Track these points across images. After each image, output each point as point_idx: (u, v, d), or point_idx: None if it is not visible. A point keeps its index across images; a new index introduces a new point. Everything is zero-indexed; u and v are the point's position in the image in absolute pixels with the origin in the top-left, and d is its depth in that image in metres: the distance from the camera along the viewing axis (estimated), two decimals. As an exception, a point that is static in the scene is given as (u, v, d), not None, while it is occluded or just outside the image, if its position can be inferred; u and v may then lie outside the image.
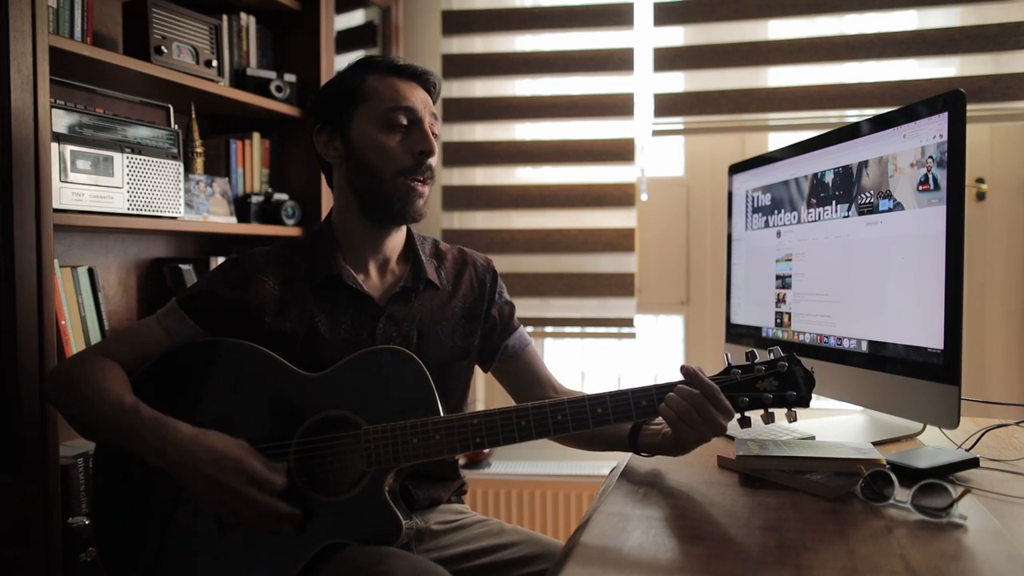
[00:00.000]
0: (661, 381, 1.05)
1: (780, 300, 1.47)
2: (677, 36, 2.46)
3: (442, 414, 1.07)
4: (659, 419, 1.05)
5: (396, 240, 1.26)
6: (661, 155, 2.63)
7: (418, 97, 1.20)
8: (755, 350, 1.04)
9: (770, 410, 1.02)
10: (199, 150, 1.99)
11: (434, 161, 1.21)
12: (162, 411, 1.11)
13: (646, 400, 1.03)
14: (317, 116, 1.23)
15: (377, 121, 1.18)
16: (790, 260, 1.45)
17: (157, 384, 1.15)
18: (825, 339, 1.34)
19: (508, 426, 1.04)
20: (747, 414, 1.02)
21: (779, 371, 1.01)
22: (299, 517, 1.05)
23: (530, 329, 2.63)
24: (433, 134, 1.20)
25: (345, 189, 1.22)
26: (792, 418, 1.02)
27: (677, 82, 2.48)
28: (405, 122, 1.18)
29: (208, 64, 1.88)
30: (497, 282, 1.33)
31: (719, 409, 0.98)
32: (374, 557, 1.01)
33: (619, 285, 2.51)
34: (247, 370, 1.14)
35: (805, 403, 1.01)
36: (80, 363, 1.14)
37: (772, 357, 1.02)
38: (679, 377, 1.03)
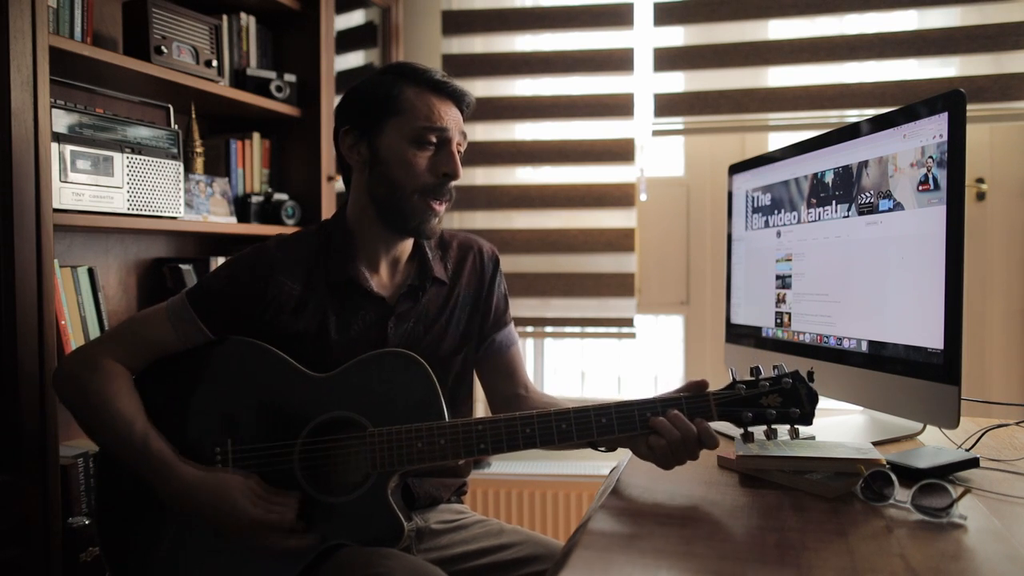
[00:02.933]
0: (663, 388, 1.05)
1: (780, 300, 1.47)
2: (677, 36, 2.46)
3: (447, 418, 1.08)
4: None
5: (408, 242, 1.26)
6: (661, 155, 2.64)
7: (451, 117, 1.19)
8: (759, 366, 1.04)
9: (773, 426, 1.02)
10: (199, 150, 1.99)
11: (456, 182, 1.20)
12: (169, 409, 1.13)
13: (651, 412, 1.02)
14: (346, 117, 1.22)
15: (408, 136, 1.16)
16: (790, 260, 1.45)
17: (164, 381, 1.15)
18: (825, 339, 1.34)
19: (512, 433, 1.04)
20: (750, 429, 1.02)
21: (783, 388, 1.01)
22: (317, 546, 1.06)
23: (530, 329, 2.63)
24: (459, 152, 1.20)
25: (363, 193, 1.21)
26: (794, 435, 1.02)
27: (677, 82, 2.48)
28: (435, 141, 1.17)
29: (208, 64, 1.88)
30: (498, 272, 1.34)
31: (707, 446, 0.99)
32: (373, 558, 1.01)
33: (619, 285, 2.51)
34: (254, 369, 1.14)
35: (808, 421, 1.01)
36: (90, 368, 1.13)
37: (776, 374, 1.02)
38: (681, 386, 1.04)
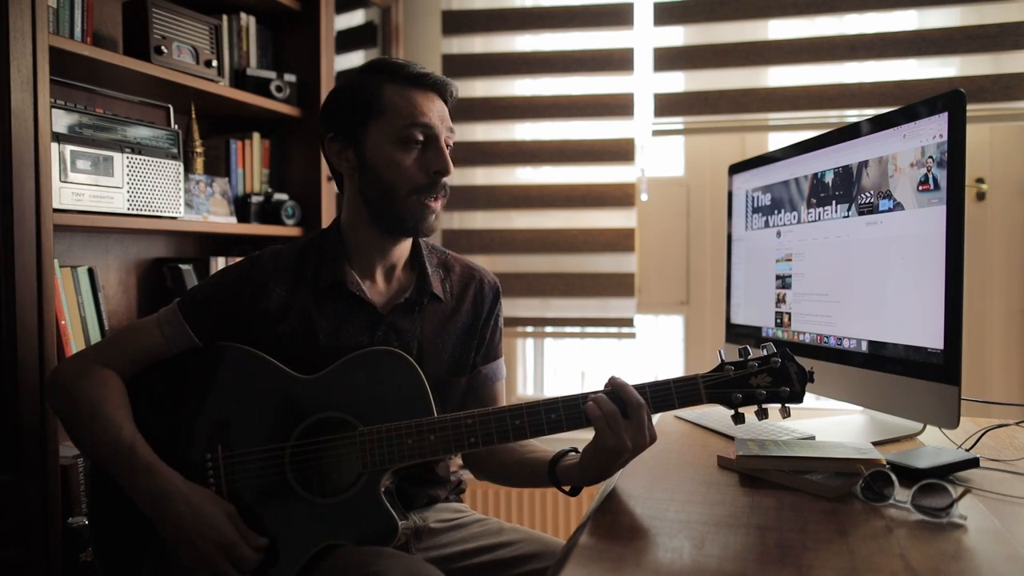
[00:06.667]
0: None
1: (780, 300, 1.47)
2: (677, 36, 2.46)
3: (436, 415, 1.07)
4: (573, 454, 1.08)
5: (403, 248, 1.24)
6: (661, 155, 2.63)
7: (435, 111, 1.16)
8: (748, 347, 1.03)
9: (764, 406, 1.02)
10: (199, 150, 2.00)
11: (449, 179, 1.18)
12: (158, 419, 1.12)
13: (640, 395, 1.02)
14: (329, 124, 1.20)
15: (393, 137, 1.14)
16: (790, 260, 1.45)
17: (154, 387, 1.15)
18: (825, 339, 1.34)
19: (502, 425, 1.04)
20: (741, 411, 1.02)
21: (772, 367, 1.01)
22: None
23: (530, 329, 2.64)
24: (448, 147, 1.18)
25: (356, 198, 1.20)
26: (785, 414, 1.01)
27: (677, 82, 2.48)
28: (421, 138, 1.15)
29: (208, 64, 1.88)
30: (498, 303, 1.31)
31: (636, 414, 0.97)
32: (368, 557, 1.01)
33: (619, 285, 2.52)
34: (244, 373, 1.13)
35: (799, 399, 1.01)
36: (81, 375, 1.12)
37: (765, 353, 1.02)
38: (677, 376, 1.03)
